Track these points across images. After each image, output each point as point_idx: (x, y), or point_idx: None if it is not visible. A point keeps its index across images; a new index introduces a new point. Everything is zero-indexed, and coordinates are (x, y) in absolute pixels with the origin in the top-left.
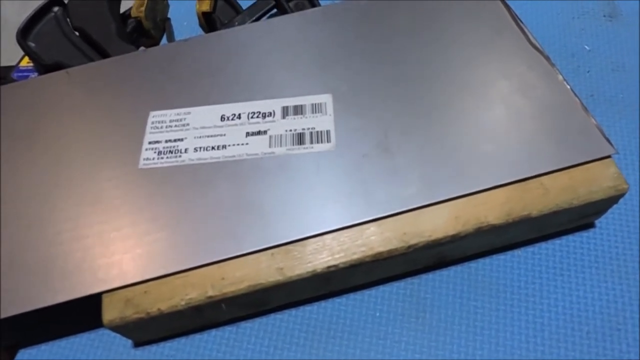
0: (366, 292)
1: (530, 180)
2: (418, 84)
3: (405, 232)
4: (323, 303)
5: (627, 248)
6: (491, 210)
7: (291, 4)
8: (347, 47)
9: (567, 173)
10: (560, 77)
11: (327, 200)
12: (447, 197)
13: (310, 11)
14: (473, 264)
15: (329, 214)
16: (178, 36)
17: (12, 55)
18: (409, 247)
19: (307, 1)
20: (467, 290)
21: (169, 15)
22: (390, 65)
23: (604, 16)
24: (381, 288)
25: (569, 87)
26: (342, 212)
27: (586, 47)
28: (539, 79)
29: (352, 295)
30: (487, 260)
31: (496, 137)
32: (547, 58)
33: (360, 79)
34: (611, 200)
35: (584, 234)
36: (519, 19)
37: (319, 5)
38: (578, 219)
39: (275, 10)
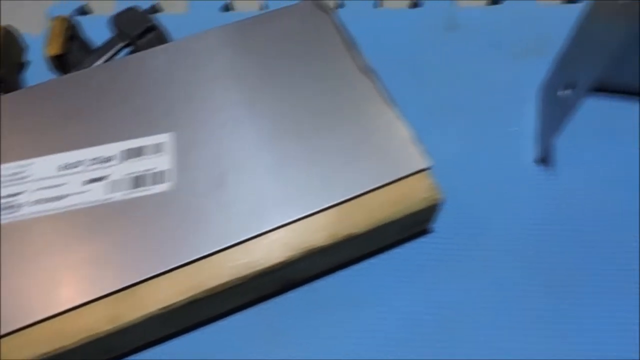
0: (218, 323)
1: (354, 200)
2: (254, 118)
3: (237, 264)
4: (176, 340)
5: (462, 249)
6: (318, 233)
7: (140, 42)
8: (192, 85)
9: (387, 189)
10: (383, 95)
11: (162, 242)
12: (276, 226)
13: (159, 48)
14: (319, 282)
15: (164, 254)
16: (34, 81)
17: None
18: (241, 278)
19: (156, 39)
20: (314, 309)
21: (25, 59)
22: (232, 100)
23: (445, 28)
24: (234, 317)
25: (391, 104)
26: (177, 251)
27: (429, 62)
28: (362, 97)
29: (204, 329)
30: (332, 277)
31: (322, 161)
32: (373, 77)
33: (202, 117)
34: (430, 210)
35: (422, 239)
36: (349, 36)
37: (169, 41)
38: (408, 228)
39: (128, 48)
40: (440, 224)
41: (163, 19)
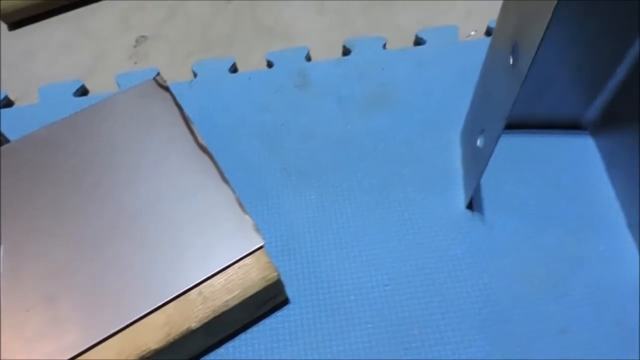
0: None
1: (190, 292)
2: (89, 217)
3: None
4: None
5: (317, 319)
6: (151, 335)
7: None
8: (22, 192)
9: (224, 274)
10: (221, 175)
11: None
12: (108, 334)
13: None
14: None
15: None
16: None
17: None
18: None
19: None
20: None
21: None
22: (68, 199)
23: (296, 87)
24: None
25: (227, 186)
26: None
27: (281, 123)
28: (202, 181)
29: None
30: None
31: (157, 257)
32: (210, 155)
33: (32, 225)
34: (271, 287)
35: (279, 313)
36: (188, 118)
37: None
38: (259, 306)
39: None
40: (298, 293)
41: (14, 112)
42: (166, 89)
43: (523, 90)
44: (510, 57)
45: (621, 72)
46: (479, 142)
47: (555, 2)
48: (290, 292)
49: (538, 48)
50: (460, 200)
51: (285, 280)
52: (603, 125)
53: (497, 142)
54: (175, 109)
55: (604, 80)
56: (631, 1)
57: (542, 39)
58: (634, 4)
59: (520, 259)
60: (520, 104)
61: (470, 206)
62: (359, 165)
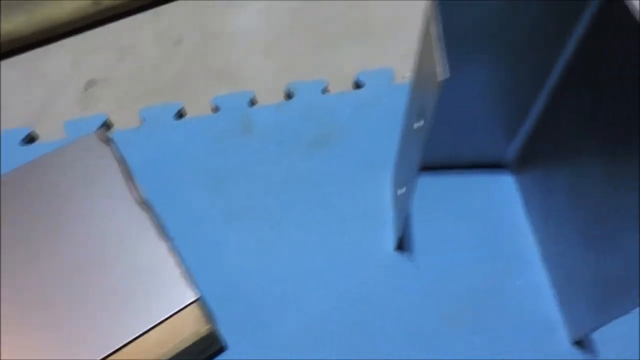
0: None
1: (124, 349)
2: (25, 278)
3: None
4: None
5: None
6: None
7: None
8: None
9: (157, 330)
10: (158, 229)
11: None
12: None
13: None
14: None
15: None
16: None
17: None
18: None
19: None
20: None
21: None
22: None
23: (240, 131)
24: None
25: (164, 238)
26: None
27: (226, 168)
28: (138, 236)
29: None
30: None
31: (91, 314)
32: (149, 209)
33: None
34: (205, 340)
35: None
36: (129, 171)
37: None
38: (195, 356)
39: None
40: (237, 340)
41: None
42: (107, 142)
43: (447, 133)
44: (416, 123)
45: (534, 114)
46: (398, 192)
47: (438, 89)
48: (230, 338)
49: (431, 121)
50: (391, 240)
51: (225, 327)
52: (521, 164)
53: (412, 193)
54: (116, 163)
55: (520, 122)
56: (536, 53)
57: (433, 116)
58: (538, 56)
59: (444, 298)
60: (445, 146)
61: (400, 247)
62: (300, 207)
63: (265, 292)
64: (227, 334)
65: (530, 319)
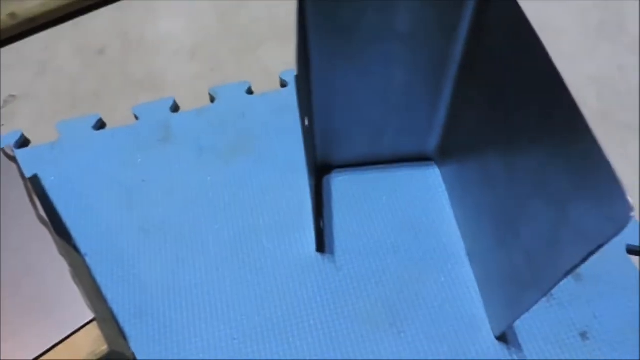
0: None
1: None
2: None
3: None
4: None
5: None
6: None
7: None
8: None
9: (55, 351)
10: (58, 250)
11: None
12: None
13: None
14: None
15: None
16: None
17: None
18: None
19: None
20: None
21: None
22: None
23: (159, 140)
24: None
25: (63, 259)
26: None
27: (142, 179)
28: (38, 255)
29: None
30: None
31: None
32: (50, 227)
33: None
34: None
35: None
36: (31, 188)
37: None
38: None
39: None
40: (148, 354)
41: None
42: (13, 159)
43: (361, 132)
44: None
45: (443, 107)
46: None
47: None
48: (140, 355)
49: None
50: (312, 243)
51: (136, 345)
52: (442, 156)
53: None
54: (20, 181)
55: (433, 114)
56: (430, 49)
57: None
58: (433, 52)
59: (363, 299)
60: (361, 145)
61: (321, 249)
62: (217, 218)
63: (179, 306)
64: (138, 351)
65: (453, 316)
